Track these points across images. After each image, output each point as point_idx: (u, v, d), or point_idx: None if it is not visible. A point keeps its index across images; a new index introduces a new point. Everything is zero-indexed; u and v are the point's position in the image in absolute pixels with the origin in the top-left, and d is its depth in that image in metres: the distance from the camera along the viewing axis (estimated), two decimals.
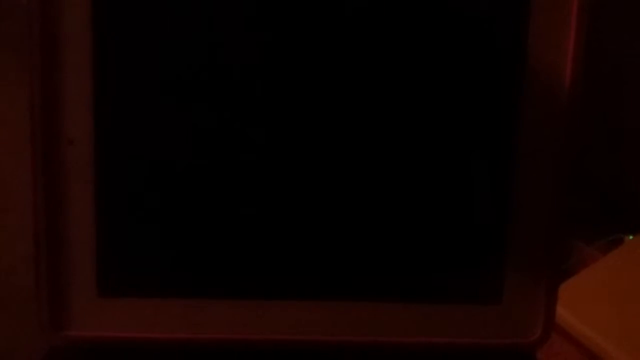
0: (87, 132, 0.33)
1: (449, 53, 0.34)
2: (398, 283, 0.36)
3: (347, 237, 0.35)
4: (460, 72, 0.34)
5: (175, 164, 0.34)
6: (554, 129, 0.34)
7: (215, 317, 0.35)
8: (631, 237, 0.86)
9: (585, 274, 0.81)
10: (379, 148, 0.34)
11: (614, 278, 0.80)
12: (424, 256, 0.36)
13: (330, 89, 0.34)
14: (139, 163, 0.34)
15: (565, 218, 0.35)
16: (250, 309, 0.35)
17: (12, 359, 0.40)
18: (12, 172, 0.42)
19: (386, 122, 0.34)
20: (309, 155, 0.34)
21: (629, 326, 0.72)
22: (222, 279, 0.35)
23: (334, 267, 0.35)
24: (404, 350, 0.36)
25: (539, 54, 0.33)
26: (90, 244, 0.34)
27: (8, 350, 0.40)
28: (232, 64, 0.33)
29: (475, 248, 0.36)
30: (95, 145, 0.33)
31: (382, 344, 0.36)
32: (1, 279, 0.43)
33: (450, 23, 0.33)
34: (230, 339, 0.35)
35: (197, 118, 0.34)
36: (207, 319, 0.35)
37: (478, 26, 0.33)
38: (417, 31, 0.33)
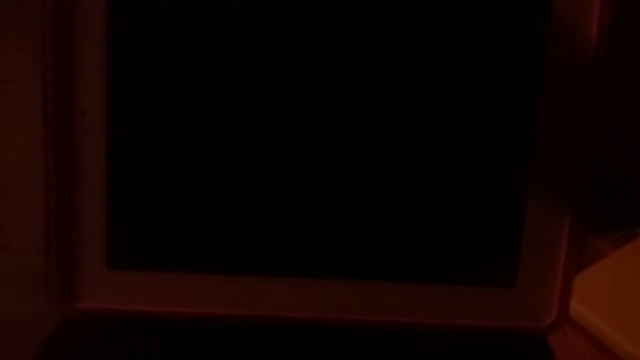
0: (100, 104, 0.32)
1: (467, 23, 0.33)
2: (412, 264, 0.35)
3: (361, 217, 0.35)
4: (479, 41, 0.33)
5: (186, 137, 0.33)
6: (574, 113, 0.34)
7: (223, 292, 0.35)
8: None
9: (599, 267, 0.80)
10: (396, 127, 0.34)
11: (628, 271, 0.79)
12: (439, 238, 0.35)
13: (341, 72, 0.33)
14: (151, 136, 0.33)
15: (584, 202, 0.35)
16: (260, 285, 0.35)
17: (25, 332, 0.39)
18: (23, 148, 0.42)
19: (400, 101, 0.33)
20: (321, 134, 0.34)
21: None
22: (231, 254, 0.35)
23: (347, 247, 0.35)
24: (416, 331, 0.35)
25: (562, 32, 0.33)
26: (100, 216, 0.33)
27: (21, 325, 0.40)
28: (244, 43, 0.33)
29: (491, 230, 0.35)
30: (107, 116, 0.33)
31: (394, 325, 0.35)
32: (14, 254, 0.43)
33: None
34: (237, 315, 0.35)
35: (207, 93, 0.33)
36: (215, 294, 0.35)
37: None
38: None
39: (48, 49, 0.32)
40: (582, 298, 0.71)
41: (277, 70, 0.33)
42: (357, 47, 0.33)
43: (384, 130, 0.34)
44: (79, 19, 0.32)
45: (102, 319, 0.35)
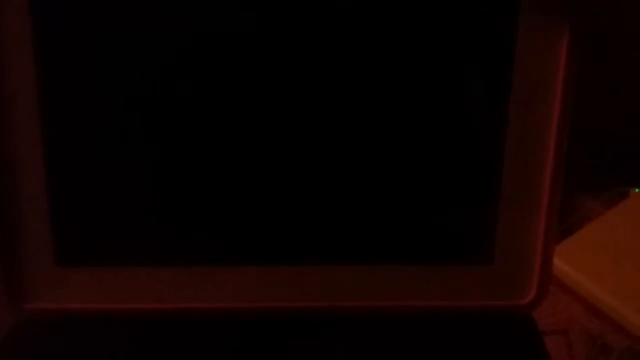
0: (30, 84, 0.29)
1: None
2: (386, 246, 0.33)
3: (335, 200, 0.33)
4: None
5: (129, 121, 0.31)
6: (551, 74, 0.31)
7: (176, 285, 0.33)
8: (637, 190, 0.84)
9: (590, 228, 0.78)
10: (368, 104, 0.31)
11: (620, 232, 0.78)
12: (410, 215, 0.33)
13: (317, 37, 0.30)
14: (90, 122, 0.31)
15: (561, 170, 0.33)
16: (215, 275, 0.33)
17: None
18: None
19: (372, 69, 0.31)
20: (297, 112, 0.31)
21: (636, 282, 0.70)
22: (184, 245, 0.33)
23: (316, 231, 0.33)
24: (395, 313, 0.34)
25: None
26: (43, 210, 0.31)
27: None
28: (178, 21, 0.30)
29: (465, 204, 0.33)
30: (39, 99, 0.30)
31: (372, 308, 0.34)
32: None
33: None
34: (194, 308, 0.33)
35: (148, 70, 0.30)
36: (168, 287, 0.33)
37: None
38: None
39: None
40: (574, 260, 0.70)
41: (227, 50, 0.30)
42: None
43: (352, 94, 0.31)
44: None
45: (57, 319, 0.33)
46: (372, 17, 0.30)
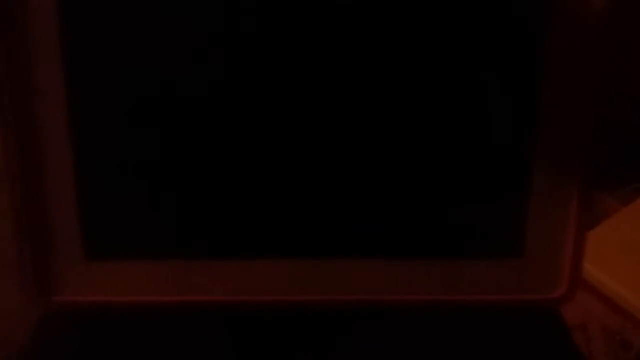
0: (59, 81, 0.29)
1: None
2: (414, 240, 0.33)
3: (366, 193, 0.32)
4: None
5: (158, 118, 0.31)
6: (582, 72, 0.31)
7: (203, 279, 0.33)
8: None
9: (607, 225, 0.78)
10: (394, 96, 0.31)
11: (637, 228, 0.78)
12: (440, 209, 0.33)
13: (335, 34, 0.30)
14: (120, 113, 0.31)
15: (592, 164, 0.32)
16: (242, 269, 0.33)
17: (6, 328, 0.38)
18: None
19: (397, 61, 0.30)
20: (313, 105, 0.31)
21: None
22: (209, 239, 0.32)
23: (348, 224, 0.33)
24: (423, 307, 0.33)
25: None
26: (72, 205, 0.31)
27: (3, 318, 0.38)
28: (217, 15, 0.29)
29: (495, 198, 0.33)
30: (68, 94, 0.30)
31: (403, 302, 0.33)
32: None
33: None
34: (221, 300, 0.33)
35: (174, 67, 0.30)
36: (196, 280, 0.33)
37: None
38: None
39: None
40: (592, 257, 0.70)
41: (257, 51, 0.30)
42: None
43: (380, 92, 0.31)
44: None
45: (85, 312, 0.33)
46: (396, 13, 0.30)
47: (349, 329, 0.34)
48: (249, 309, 0.33)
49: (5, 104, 0.29)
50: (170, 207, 0.32)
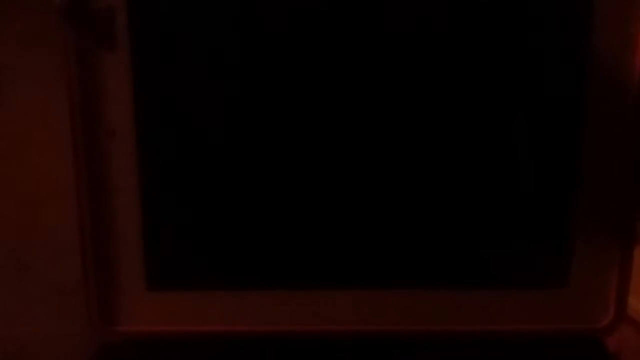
0: (129, 122, 0.31)
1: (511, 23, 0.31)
2: (459, 270, 0.34)
3: (420, 227, 0.33)
4: (525, 44, 0.31)
5: (219, 154, 0.32)
6: (622, 107, 0.32)
7: (263, 309, 0.34)
8: None
9: (637, 251, 0.77)
10: (438, 130, 0.32)
11: None
12: (486, 239, 0.34)
13: (379, 69, 0.32)
14: (182, 153, 0.32)
15: (636, 193, 0.33)
16: (299, 299, 0.34)
17: (56, 353, 0.39)
18: (54, 166, 0.41)
19: (437, 96, 0.32)
20: (357, 141, 0.32)
21: None
22: (269, 270, 0.34)
23: (404, 257, 0.34)
24: (467, 338, 0.34)
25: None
26: (137, 237, 0.33)
27: (52, 345, 0.39)
28: (276, 60, 0.31)
29: (541, 228, 0.34)
30: (137, 135, 0.32)
31: (450, 332, 0.34)
32: (43, 272, 0.42)
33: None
34: (279, 331, 0.34)
35: (237, 109, 0.32)
36: (255, 311, 0.34)
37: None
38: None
39: (73, 74, 0.31)
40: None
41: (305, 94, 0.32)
42: (388, 50, 0.31)
43: (426, 121, 0.32)
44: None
45: (143, 341, 0.34)
46: (439, 71, 0.32)
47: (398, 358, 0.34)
48: (309, 338, 0.34)
49: (78, 143, 0.31)
50: (230, 239, 0.33)
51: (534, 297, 0.34)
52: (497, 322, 0.34)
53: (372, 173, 0.33)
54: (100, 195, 0.32)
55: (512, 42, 0.31)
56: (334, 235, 0.33)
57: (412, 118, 0.32)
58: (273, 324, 0.34)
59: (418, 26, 0.31)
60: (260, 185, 0.33)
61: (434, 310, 0.34)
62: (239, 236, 0.33)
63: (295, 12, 0.31)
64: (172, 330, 0.34)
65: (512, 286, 0.34)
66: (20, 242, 0.43)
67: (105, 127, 0.32)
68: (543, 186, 0.33)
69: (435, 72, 0.32)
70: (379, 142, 0.32)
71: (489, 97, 0.32)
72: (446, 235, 0.34)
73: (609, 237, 0.33)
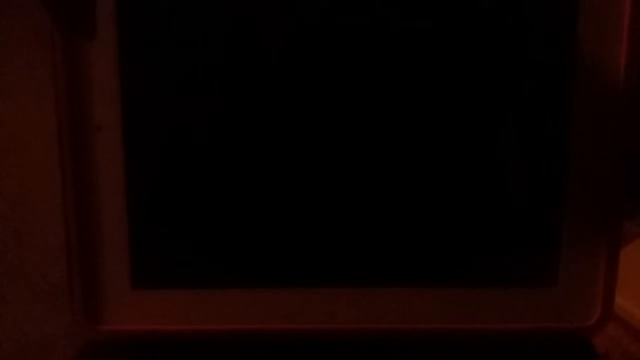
0: (115, 119, 0.31)
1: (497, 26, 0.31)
2: (448, 268, 0.34)
3: (406, 225, 0.33)
4: (510, 41, 0.31)
5: (206, 151, 0.32)
6: (609, 108, 0.32)
7: (248, 307, 0.34)
8: None
9: (628, 250, 0.78)
10: (427, 123, 0.32)
11: None
12: (475, 238, 0.34)
13: (366, 64, 0.32)
14: (170, 151, 0.32)
15: (623, 192, 0.33)
16: (287, 298, 0.34)
17: (48, 354, 0.39)
18: (40, 165, 0.41)
19: (431, 97, 0.32)
20: (345, 136, 0.32)
21: None
22: (256, 268, 0.33)
23: (391, 254, 0.34)
24: (456, 337, 0.34)
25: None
26: (122, 235, 0.32)
27: (43, 346, 0.39)
28: (265, 55, 0.31)
29: (529, 226, 0.34)
30: (123, 131, 0.31)
31: (439, 331, 0.34)
32: (34, 273, 0.42)
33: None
34: (265, 329, 0.34)
35: (225, 105, 0.32)
36: (240, 309, 0.33)
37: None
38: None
39: (60, 70, 0.31)
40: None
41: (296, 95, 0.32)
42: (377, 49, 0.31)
43: (413, 126, 0.32)
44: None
45: (128, 340, 0.34)
46: (430, 75, 0.32)
47: (387, 358, 0.34)
48: (294, 337, 0.34)
49: (63, 139, 0.31)
50: (217, 237, 0.33)
51: (521, 296, 0.34)
52: (484, 321, 0.34)
53: (369, 173, 0.33)
54: (85, 193, 0.32)
55: (498, 41, 0.31)
56: (332, 233, 0.33)
57: (407, 120, 0.32)
58: (265, 322, 0.34)
59: (403, 25, 0.31)
60: (250, 182, 0.32)
61: (420, 309, 0.34)
62: (228, 234, 0.33)
63: (285, 9, 0.31)
64: (158, 328, 0.33)
65: (499, 285, 0.34)
66: (9, 243, 0.42)
67: (91, 123, 0.31)
68: (531, 186, 0.33)
69: (420, 72, 0.32)
70: (371, 139, 0.32)
71: (476, 98, 0.32)
72: (436, 234, 0.34)
73: (597, 236, 0.33)
